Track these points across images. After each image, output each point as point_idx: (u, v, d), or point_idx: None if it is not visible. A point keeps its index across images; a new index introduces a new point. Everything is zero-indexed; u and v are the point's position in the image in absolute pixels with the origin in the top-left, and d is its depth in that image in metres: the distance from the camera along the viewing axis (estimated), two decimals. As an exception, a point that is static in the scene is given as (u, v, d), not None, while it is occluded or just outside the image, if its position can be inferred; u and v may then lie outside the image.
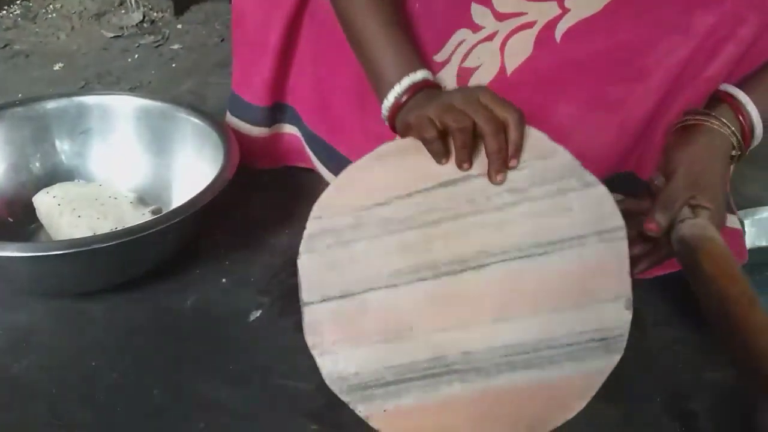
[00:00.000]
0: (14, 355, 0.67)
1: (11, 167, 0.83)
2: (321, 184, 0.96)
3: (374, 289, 0.59)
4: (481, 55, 0.72)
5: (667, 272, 0.83)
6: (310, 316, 0.59)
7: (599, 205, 0.59)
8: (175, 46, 1.50)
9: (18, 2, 1.65)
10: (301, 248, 0.60)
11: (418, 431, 0.56)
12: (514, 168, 0.58)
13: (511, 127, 0.57)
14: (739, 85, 0.67)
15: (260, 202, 0.94)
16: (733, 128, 0.66)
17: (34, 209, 0.81)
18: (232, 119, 0.93)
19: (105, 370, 0.66)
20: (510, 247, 0.59)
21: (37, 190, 0.82)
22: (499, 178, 0.58)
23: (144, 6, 1.64)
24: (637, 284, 0.79)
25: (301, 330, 0.70)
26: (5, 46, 1.46)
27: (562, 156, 0.60)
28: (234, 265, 0.82)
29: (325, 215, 0.61)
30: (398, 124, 0.65)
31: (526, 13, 0.69)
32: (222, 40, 1.54)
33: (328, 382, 0.59)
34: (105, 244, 0.64)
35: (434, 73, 0.72)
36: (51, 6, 1.65)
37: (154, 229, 0.66)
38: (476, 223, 0.59)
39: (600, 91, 0.69)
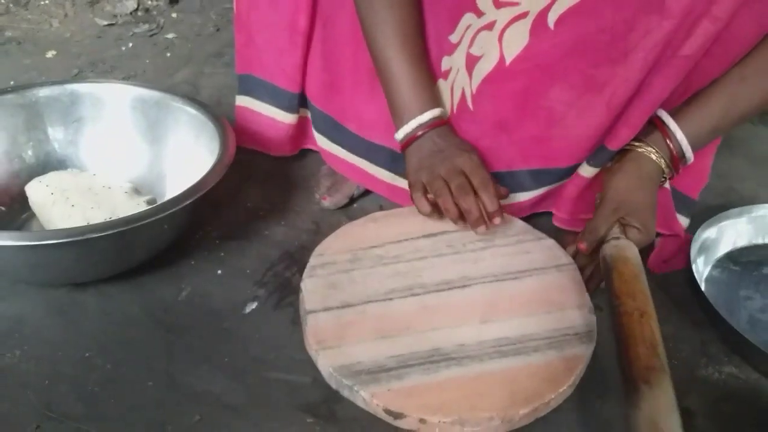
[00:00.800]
0: (6, 346, 0.66)
1: (3, 155, 0.82)
2: (316, 177, 0.96)
3: (372, 302, 0.68)
4: (483, 44, 0.74)
5: (666, 270, 0.83)
6: (313, 321, 0.65)
7: (551, 249, 0.76)
8: (170, 35, 1.49)
9: (10, -12, 1.62)
10: (304, 275, 0.70)
11: (421, 407, 0.58)
12: (497, 225, 0.73)
13: (480, 193, 0.72)
14: (673, 112, 0.75)
15: (255, 193, 0.93)
16: (662, 153, 0.75)
17: (26, 198, 0.79)
18: (262, 106, 0.92)
19: (98, 361, 0.66)
20: (486, 274, 0.72)
21: (29, 178, 0.81)
22: (479, 230, 0.73)
23: (139, -6, 1.62)
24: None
25: (297, 322, 0.71)
26: (-3, 32, 1.44)
27: (515, 221, 0.80)
28: (229, 256, 0.81)
29: (326, 254, 0.73)
30: (407, 158, 0.78)
31: (519, 3, 0.70)
32: (217, 30, 1.53)
33: (328, 372, 0.60)
34: (100, 234, 0.63)
35: (448, 54, 0.77)
36: (44, -8, 1.63)
37: (149, 219, 0.65)
38: (456, 259, 0.74)
39: (589, 74, 0.71)
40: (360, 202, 0.94)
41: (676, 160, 0.75)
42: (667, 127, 0.75)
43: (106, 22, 1.52)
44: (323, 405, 0.62)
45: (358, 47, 0.80)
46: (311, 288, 0.68)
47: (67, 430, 0.59)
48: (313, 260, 0.72)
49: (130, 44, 1.44)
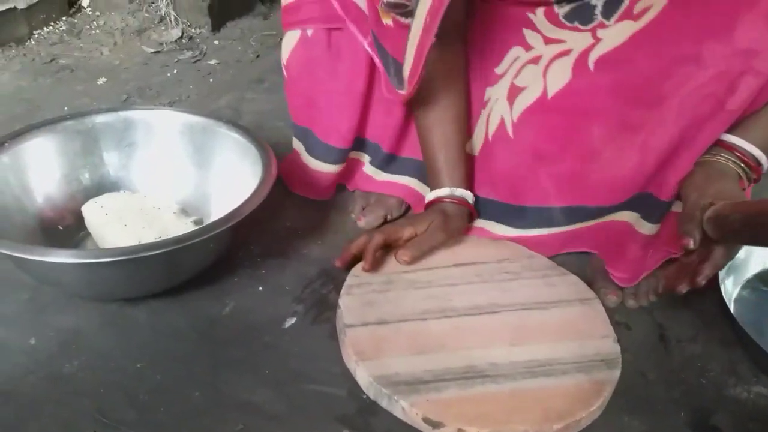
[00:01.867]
0: (65, 356, 0.71)
1: (62, 178, 0.88)
2: (352, 197, 1.00)
3: (407, 320, 0.72)
4: (527, 76, 0.78)
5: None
6: (352, 334, 0.69)
7: (576, 285, 0.80)
8: (212, 62, 1.56)
9: (64, 18, 1.72)
10: (342, 293, 0.76)
11: (459, 417, 0.61)
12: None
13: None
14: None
15: (294, 213, 0.97)
16: (731, 158, 0.71)
17: (82, 218, 0.85)
18: (309, 160, 0.96)
19: (149, 371, 0.70)
20: (514, 302, 0.76)
21: (85, 200, 0.86)
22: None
23: (183, 23, 1.70)
24: (661, 303, 0.81)
25: (333, 337, 0.74)
26: (51, 60, 1.53)
27: (541, 258, 0.84)
28: (270, 273, 0.85)
29: (361, 275, 0.78)
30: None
31: (565, 41, 0.75)
32: (257, 57, 1.59)
33: (367, 382, 0.64)
34: (151, 253, 0.67)
35: (491, 85, 0.82)
36: (95, 22, 1.72)
37: (197, 239, 0.69)
38: (485, 287, 0.78)
39: (625, 114, 0.73)
40: (393, 221, 0.97)
41: (750, 163, 0.71)
42: (728, 142, 0.72)
43: (152, 50, 1.60)
44: (358, 416, 0.65)
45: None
46: (349, 305, 0.73)
47: (121, 435, 0.63)
48: (349, 280, 0.77)
49: (175, 70, 1.51)
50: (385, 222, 0.97)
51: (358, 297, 0.74)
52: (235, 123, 0.91)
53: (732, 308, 0.80)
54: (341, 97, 0.88)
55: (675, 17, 0.68)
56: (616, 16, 0.71)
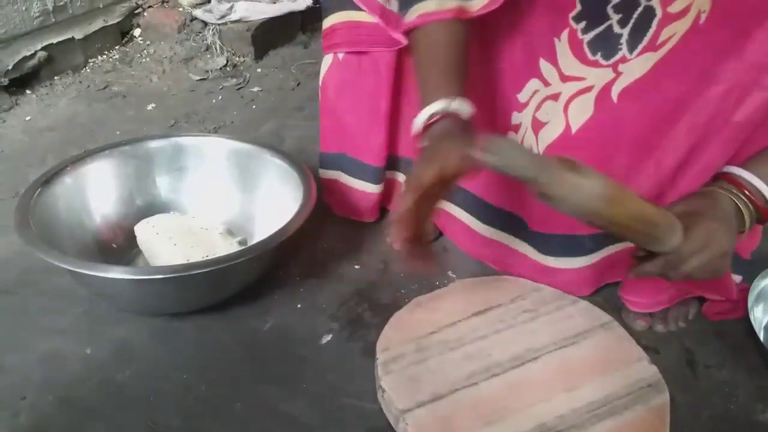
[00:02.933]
0: (118, 366, 0.76)
1: (118, 199, 0.94)
2: (384, 222, 1.03)
3: (459, 389, 0.70)
4: (548, 111, 0.80)
5: (725, 317, 0.85)
6: (412, 420, 0.66)
7: (590, 310, 0.83)
8: (255, 89, 1.63)
9: (117, 48, 1.82)
10: (380, 373, 0.72)
11: None
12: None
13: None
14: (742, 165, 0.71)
15: (331, 235, 1.02)
16: (738, 195, 0.69)
17: (135, 237, 0.91)
18: (350, 180, 1.00)
19: (195, 382, 0.74)
20: (548, 343, 0.76)
21: (137, 219, 0.92)
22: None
23: (227, 51, 1.78)
24: (690, 329, 0.83)
25: (367, 354, 0.77)
26: (105, 87, 1.62)
27: (547, 289, 0.86)
28: (308, 292, 0.89)
29: (390, 347, 0.76)
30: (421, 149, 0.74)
31: (585, 78, 0.77)
32: (298, 84, 1.66)
33: None
34: (199, 271, 0.73)
35: (518, 110, 0.84)
36: (145, 51, 1.82)
37: (241, 259, 0.75)
38: (514, 333, 0.78)
39: (644, 138, 0.75)
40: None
41: (754, 199, 0.69)
42: (739, 177, 0.70)
43: (198, 77, 1.68)
44: (389, 430, 0.69)
45: None
46: (393, 385, 0.69)
47: (169, 440, 0.67)
48: (381, 356, 0.74)
49: (220, 97, 1.58)
50: (420, 245, 1.00)
51: (398, 374, 0.71)
52: (278, 149, 0.97)
53: (761, 336, 0.81)
54: (367, 116, 0.92)
55: (696, 40, 0.70)
56: (639, 48, 0.73)
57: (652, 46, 0.72)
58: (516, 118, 0.86)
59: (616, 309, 0.86)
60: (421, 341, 0.76)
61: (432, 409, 0.67)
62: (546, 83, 0.80)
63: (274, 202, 0.92)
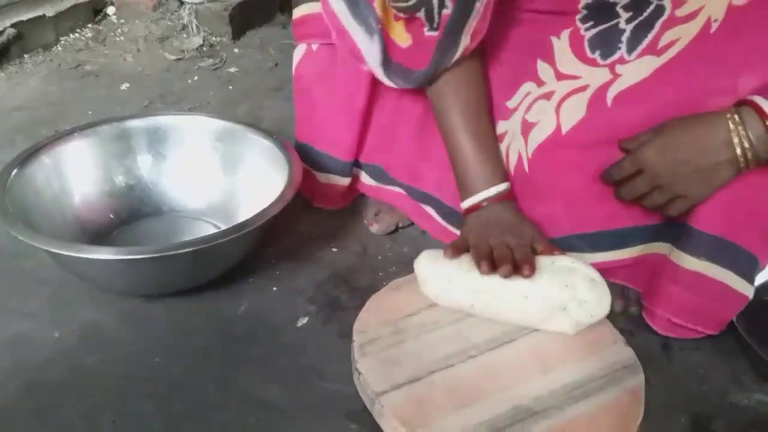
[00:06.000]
0: (87, 350, 0.74)
1: (99, 179, 0.92)
2: (364, 205, 1.02)
3: (435, 371, 0.69)
4: (539, 111, 0.78)
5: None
6: (388, 402, 0.65)
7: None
8: (232, 69, 1.60)
9: (90, 26, 1.77)
10: (356, 356, 0.71)
11: None
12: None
13: (521, 263, 0.72)
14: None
15: (308, 218, 1.00)
16: (746, 127, 0.65)
17: (115, 216, 0.92)
18: (319, 174, 0.97)
19: (166, 366, 0.73)
20: (522, 325, 0.75)
21: (119, 199, 0.93)
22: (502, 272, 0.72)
23: (204, 31, 1.75)
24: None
25: (344, 337, 0.76)
26: (77, 66, 1.58)
27: None
28: (284, 275, 0.88)
29: (367, 329, 0.74)
30: (466, 222, 0.80)
31: (581, 77, 0.75)
32: (276, 65, 1.63)
33: None
34: (183, 251, 0.71)
35: (504, 118, 0.82)
36: (119, 30, 1.78)
37: (227, 238, 0.73)
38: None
39: None
40: (404, 229, 1.00)
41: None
42: (764, 109, 0.64)
43: (174, 57, 1.64)
44: (366, 413, 0.68)
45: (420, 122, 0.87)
46: (369, 368, 0.69)
47: (138, 425, 0.66)
48: (357, 339, 0.73)
49: (196, 77, 1.55)
50: (397, 229, 0.99)
51: (375, 356, 0.70)
52: (262, 128, 0.95)
53: (735, 319, 0.81)
54: (340, 110, 0.89)
55: (705, 50, 0.68)
56: (639, 49, 0.71)
57: (652, 49, 0.71)
58: (502, 127, 0.83)
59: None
60: (398, 324, 0.76)
61: (408, 391, 0.66)
62: (540, 83, 0.78)
63: (260, 182, 0.90)
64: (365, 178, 0.99)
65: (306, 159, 0.96)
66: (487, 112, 0.81)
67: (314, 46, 0.89)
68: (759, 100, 0.65)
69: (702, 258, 0.73)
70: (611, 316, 0.79)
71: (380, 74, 0.79)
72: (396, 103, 0.88)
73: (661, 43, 0.70)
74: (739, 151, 0.66)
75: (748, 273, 0.74)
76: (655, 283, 0.79)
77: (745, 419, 0.70)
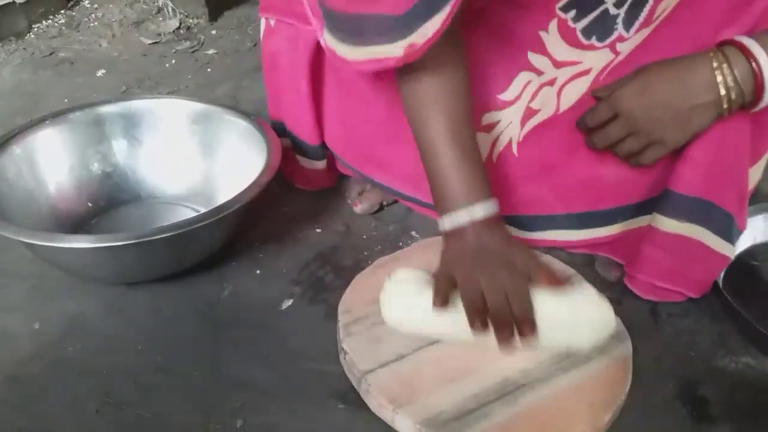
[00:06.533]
0: (69, 340, 0.73)
1: (73, 167, 0.90)
2: (347, 185, 1.01)
3: (421, 348, 0.68)
4: (544, 98, 0.76)
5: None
6: (375, 380, 0.65)
7: (552, 264, 0.79)
8: (210, 52, 1.57)
9: (62, 12, 1.73)
10: (341, 336, 0.70)
11: None
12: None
13: (518, 323, 0.64)
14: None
15: (291, 198, 0.99)
16: (732, 70, 0.64)
17: (92, 205, 0.90)
18: (298, 157, 0.96)
19: (151, 353, 0.72)
20: None
21: (96, 186, 0.91)
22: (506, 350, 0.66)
23: (180, 13, 1.71)
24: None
25: (329, 318, 0.76)
26: (51, 53, 1.54)
27: None
28: (267, 257, 0.87)
29: (352, 309, 0.73)
30: (447, 244, 0.69)
31: (581, 62, 0.73)
32: (254, 45, 1.60)
33: (415, 430, 0.61)
34: (160, 236, 0.69)
35: (497, 109, 0.78)
36: (93, 15, 1.74)
37: (207, 221, 0.71)
38: None
39: None
40: (389, 207, 0.98)
41: (760, 83, 0.63)
42: (748, 48, 0.63)
43: (150, 41, 1.61)
44: (352, 393, 0.67)
45: (376, 108, 0.82)
46: (355, 347, 0.68)
47: (123, 414, 0.65)
48: (342, 318, 0.72)
49: (173, 61, 1.52)
50: (382, 208, 0.98)
51: (361, 335, 0.70)
52: (238, 109, 0.93)
53: (721, 284, 0.81)
54: (294, 93, 0.87)
55: (687, 12, 0.67)
56: (636, 25, 0.69)
57: (649, 22, 0.69)
58: (490, 117, 0.78)
59: (589, 261, 0.86)
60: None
61: (394, 368, 0.66)
62: (539, 72, 0.75)
63: (239, 164, 0.88)
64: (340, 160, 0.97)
65: (284, 134, 0.95)
66: (471, 123, 0.70)
67: (272, 22, 0.86)
68: (743, 38, 0.64)
69: (682, 220, 0.73)
70: (599, 286, 0.79)
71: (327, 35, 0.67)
72: (347, 88, 0.84)
73: (658, 12, 0.68)
74: (723, 91, 0.65)
75: (726, 232, 0.74)
76: (636, 250, 0.79)
77: (732, 383, 0.71)
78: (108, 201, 0.92)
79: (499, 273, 0.64)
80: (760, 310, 0.77)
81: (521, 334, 0.64)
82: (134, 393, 0.67)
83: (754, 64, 0.63)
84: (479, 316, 0.64)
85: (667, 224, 0.74)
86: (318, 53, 0.82)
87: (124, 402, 0.66)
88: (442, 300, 0.65)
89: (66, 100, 1.32)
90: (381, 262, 0.83)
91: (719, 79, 0.64)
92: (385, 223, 0.95)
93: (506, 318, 0.63)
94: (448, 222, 0.68)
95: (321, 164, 0.95)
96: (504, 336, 0.64)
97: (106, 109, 0.93)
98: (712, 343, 0.76)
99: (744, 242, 0.87)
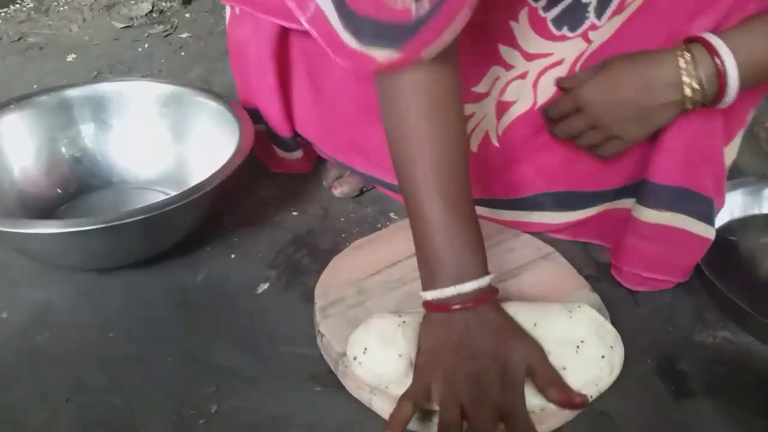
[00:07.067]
0: (37, 328, 0.71)
1: (39, 152, 0.87)
2: (324, 169, 0.99)
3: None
4: (516, 90, 0.75)
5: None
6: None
7: (531, 242, 0.81)
8: (184, 35, 1.54)
9: (31, -4, 1.69)
10: (318, 318, 0.69)
11: None
12: None
13: None
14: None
15: (267, 182, 0.97)
16: (697, 66, 0.62)
17: (61, 191, 0.87)
18: (276, 150, 0.94)
19: (122, 340, 0.70)
20: None
21: (66, 172, 0.88)
22: None
23: (153, -4, 1.68)
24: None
25: (306, 301, 0.74)
26: (19, 39, 1.50)
27: (487, 223, 0.81)
28: (242, 241, 0.85)
29: (329, 291, 0.72)
30: (426, 327, 0.61)
31: (552, 53, 0.71)
32: (229, 28, 1.57)
33: (389, 412, 0.58)
34: (130, 220, 0.67)
35: (471, 102, 0.76)
36: (63, -1, 1.69)
37: (178, 204, 0.69)
38: None
39: None
40: (369, 191, 0.97)
41: (723, 80, 0.61)
42: (716, 48, 0.61)
43: (122, 25, 1.57)
44: (330, 375, 0.66)
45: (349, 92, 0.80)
46: (332, 329, 0.67)
47: (93, 401, 0.63)
48: (319, 301, 0.71)
49: (146, 45, 1.49)
50: (362, 192, 0.96)
51: (338, 318, 0.69)
52: (210, 90, 0.91)
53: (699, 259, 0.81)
54: (262, 84, 0.84)
55: (661, 1, 0.66)
56: (609, 12, 0.67)
57: (621, 9, 0.67)
58: (468, 108, 0.77)
59: (580, 243, 0.86)
60: (361, 283, 0.74)
61: None
62: (509, 67, 0.74)
63: (211, 147, 0.86)
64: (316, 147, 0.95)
65: (258, 120, 0.92)
66: (466, 171, 0.62)
67: (237, 9, 0.83)
68: (712, 37, 0.62)
69: (662, 209, 0.72)
70: (576, 264, 0.79)
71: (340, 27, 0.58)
72: (318, 75, 0.82)
73: (628, 2, 0.67)
74: (688, 92, 0.63)
75: (707, 216, 0.73)
76: (620, 240, 0.78)
77: (711, 357, 0.71)
78: (78, 187, 0.90)
79: (488, 375, 0.56)
80: (738, 285, 0.77)
81: None
82: (105, 380, 0.66)
83: (719, 65, 0.61)
84: None
85: (648, 215, 0.73)
86: (281, 43, 0.80)
87: (94, 389, 0.64)
88: (412, 408, 0.55)
89: (35, 86, 1.29)
90: (359, 243, 0.82)
91: (685, 80, 0.63)
92: (363, 206, 0.94)
93: None
94: (432, 297, 0.60)
95: (297, 154, 0.94)
96: None
97: (74, 92, 0.90)
98: (690, 318, 0.76)
99: (722, 218, 0.87)
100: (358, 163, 0.88)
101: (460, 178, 0.61)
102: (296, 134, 0.91)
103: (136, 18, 1.61)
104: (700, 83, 0.62)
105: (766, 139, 0.83)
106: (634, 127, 0.68)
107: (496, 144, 0.79)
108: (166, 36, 1.53)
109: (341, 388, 0.65)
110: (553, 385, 0.57)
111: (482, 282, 0.60)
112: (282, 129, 0.89)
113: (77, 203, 0.89)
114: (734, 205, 0.87)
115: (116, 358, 0.68)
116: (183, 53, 1.45)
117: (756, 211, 0.88)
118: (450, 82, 0.61)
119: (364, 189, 0.96)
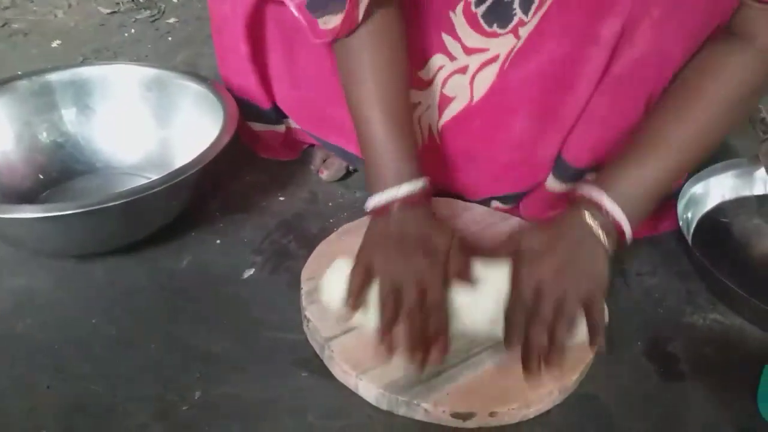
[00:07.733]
0: (19, 315, 0.70)
1: (19, 137, 0.85)
2: (310, 153, 0.98)
3: None
4: (455, 86, 0.77)
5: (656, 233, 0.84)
6: (337, 346, 0.63)
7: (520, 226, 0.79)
8: (171, 20, 1.52)
9: (15, -19, 1.66)
10: (304, 303, 0.68)
11: (487, 401, 0.59)
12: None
13: (431, 326, 0.60)
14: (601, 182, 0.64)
15: (254, 167, 0.96)
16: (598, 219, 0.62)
17: (43, 176, 0.85)
18: (254, 125, 0.92)
19: (105, 326, 0.69)
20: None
21: (46, 157, 0.86)
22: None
23: (139, -19, 1.65)
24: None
25: (292, 286, 0.73)
26: (4, 24, 1.48)
27: (477, 207, 0.84)
28: (228, 227, 0.84)
29: (315, 276, 0.70)
30: (369, 228, 0.68)
31: (488, 49, 0.73)
32: (217, 13, 1.55)
33: (377, 394, 0.60)
34: (111, 204, 0.66)
35: (419, 88, 0.78)
36: (48, -16, 1.66)
37: (160, 187, 0.68)
38: None
39: (542, 104, 0.73)
40: (358, 174, 0.96)
41: (621, 231, 0.63)
42: (599, 203, 0.62)
43: (108, 11, 1.55)
44: (316, 360, 0.65)
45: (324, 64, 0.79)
46: (318, 314, 0.66)
47: (75, 388, 0.62)
48: (305, 286, 0.70)
49: (133, 30, 1.47)
50: (349, 173, 0.95)
51: (323, 303, 0.68)
52: (193, 73, 0.89)
53: (690, 241, 0.80)
54: (236, 56, 0.83)
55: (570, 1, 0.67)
56: (533, 8, 0.69)
57: (543, 5, 0.69)
58: (415, 96, 0.79)
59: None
60: (348, 268, 0.73)
61: (357, 334, 0.64)
62: (452, 57, 0.75)
63: (194, 131, 0.84)
64: (294, 125, 0.94)
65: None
66: (407, 97, 0.70)
67: None
68: (593, 192, 0.63)
69: (567, 183, 0.78)
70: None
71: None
72: (291, 46, 0.81)
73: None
74: (601, 236, 0.62)
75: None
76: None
77: (700, 338, 0.70)
78: (61, 172, 0.88)
79: (418, 262, 0.62)
80: (729, 267, 0.77)
81: (432, 332, 0.60)
82: (88, 367, 0.64)
83: (613, 219, 0.62)
84: (392, 314, 0.60)
85: (556, 185, 0.79)
86: (258, 14, 0.79)
87: (76, 376, 0.63)
88: (354, 301, 0.62)
89: (20, 73, 1.26)
90: (346, 228, 0.80)
91: (594, 228, 0.62)
92: (351, 190, 0.93)
93: (416, 319, 0.59)
94: (372, 204, 0.67)
95: (279, 128, 0.92)
96: (414, 337, 0.59)
97: (55, 76, 0.88)
98: (680, 300, 0.75)
99: (713, 199, 0.87)
100: (332, 137, 0.88)
101: (399, 98, 0.68)
102: (277, 107, 0.90)
103: (123, 3, 1.58)
104: (605, 231, 0.62)
105: (758, 120, 0.82)
106: (587, 283, 0.61)
107: (438, 141, 0.81)
108: (153, 21, 1.51)
109: (327, 373, 0.64)
110: (458, 260, 0.64)
111: (415, 185, 0.66)
112: (261, 100, 0.87)
113: (60, 189, 0.87)
114: (726, 187, 0.87)
115: (99, 345, 0.67)
116: (170, 38, 1.43)
117: (747, 193, 0.87)
118: (396, 33, 0.68)
119: (351, 169, 0.95)
